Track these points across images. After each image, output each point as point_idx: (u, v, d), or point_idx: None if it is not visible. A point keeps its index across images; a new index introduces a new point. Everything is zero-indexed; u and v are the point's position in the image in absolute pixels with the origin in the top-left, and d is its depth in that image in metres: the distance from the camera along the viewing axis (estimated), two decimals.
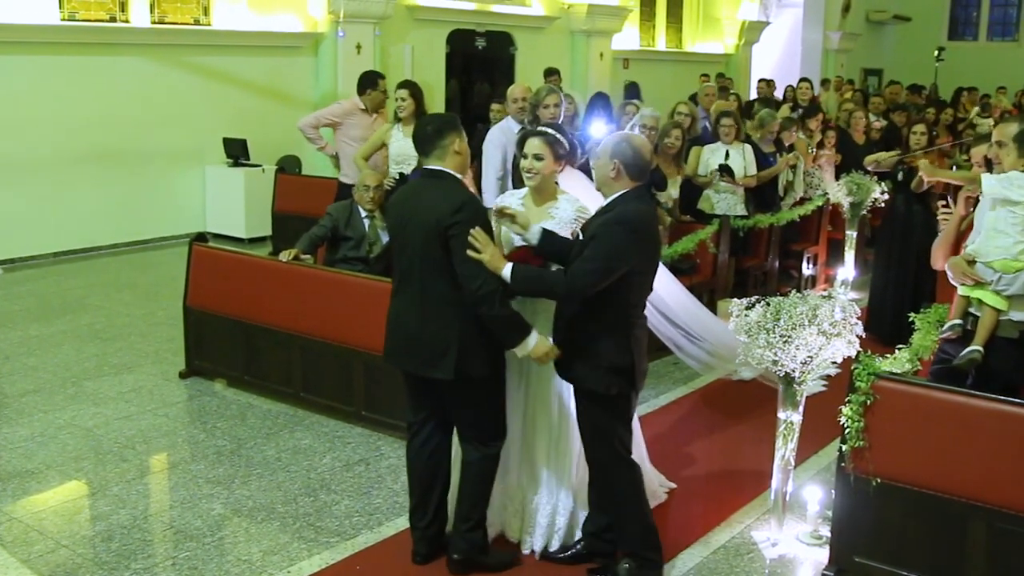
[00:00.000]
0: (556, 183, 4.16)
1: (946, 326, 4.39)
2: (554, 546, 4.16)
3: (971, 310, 4.30)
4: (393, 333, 4.01)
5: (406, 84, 7.27)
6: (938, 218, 4.80)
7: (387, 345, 4.05)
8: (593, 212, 4.09)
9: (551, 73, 11.94)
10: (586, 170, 4.76)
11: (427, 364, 3.86)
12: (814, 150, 9.35)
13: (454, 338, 3.79)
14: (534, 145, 4.03)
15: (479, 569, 4.06)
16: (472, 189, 5.00)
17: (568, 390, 4.06)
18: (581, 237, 3.91)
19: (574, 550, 4.14)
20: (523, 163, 4.07)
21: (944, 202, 4.93)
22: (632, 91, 15.44)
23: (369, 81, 8.04)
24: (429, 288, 3.83)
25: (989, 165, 4.62)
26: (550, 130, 4.09)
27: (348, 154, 7.97)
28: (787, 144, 8.67)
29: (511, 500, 4.18)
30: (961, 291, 4.33)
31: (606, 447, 3.88)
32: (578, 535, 4.17)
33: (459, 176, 3.92)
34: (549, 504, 4.11)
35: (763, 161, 8.29)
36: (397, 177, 6.88)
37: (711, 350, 4.79)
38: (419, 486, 4.12)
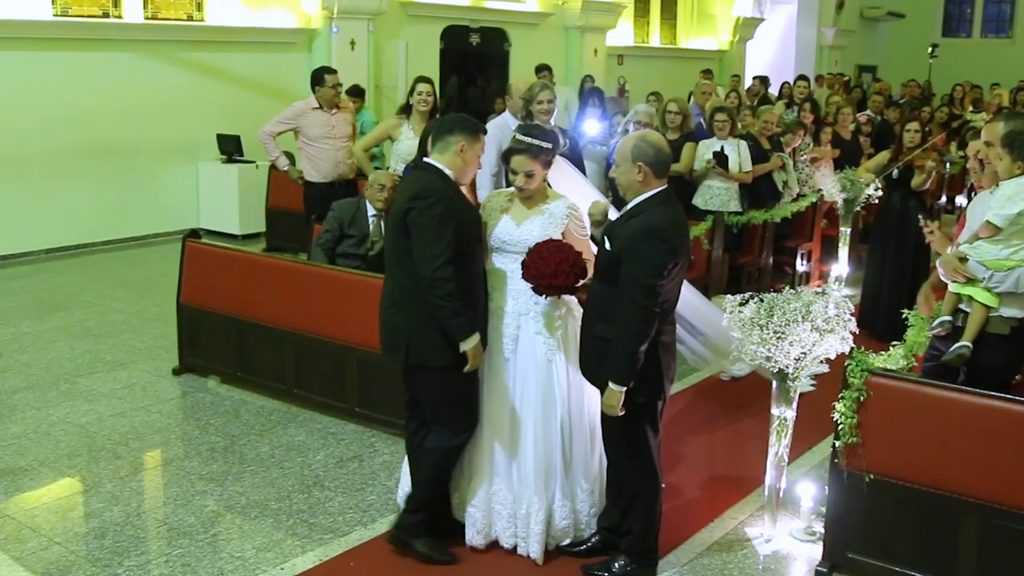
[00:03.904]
0: (546, 182, 4.12)
1: (935, 323, 4.38)
2: (565, 542, 4.14)
3: (961, 306, 4.30)
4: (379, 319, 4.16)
5: (429, 80, 7.21)
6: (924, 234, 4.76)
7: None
8: (582, 208, 4.08)
9: (542, 69, 11.92)
10: (569, 158, 4.75)
11: (387, 348, 4.04)
12: (811, 144, 9.34)
13: (407, 324, 3.91)
14: (522, 163, 3.96)
15: (410, 551, 4.09)
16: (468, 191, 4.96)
17: (566, 386, 4.06)
18: (607, 244, 3.78)
19: (589, 544, 4.13)
20: (515, 180, 4.00)
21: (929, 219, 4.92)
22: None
23: (316, 79, 8.00)
24: (393, 275, 4.00)
25: (981, 164, 4.60)
26: (533, 140, 3.97)
27: (309, 155, 8.01)
28: (790, 148, 8.67)
29: (503, 505, 4.11)
30: (952, 288, 4.32)
31: (629, 451, 3.89)
32: (591, 529, 4.16)
33: (447, 172, 3.90)
34: (542, 511, 4.03)
35: (761, 157, 8.30)
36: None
37: (710, 344, 4.78)
38: (412, 470, 4.18)
